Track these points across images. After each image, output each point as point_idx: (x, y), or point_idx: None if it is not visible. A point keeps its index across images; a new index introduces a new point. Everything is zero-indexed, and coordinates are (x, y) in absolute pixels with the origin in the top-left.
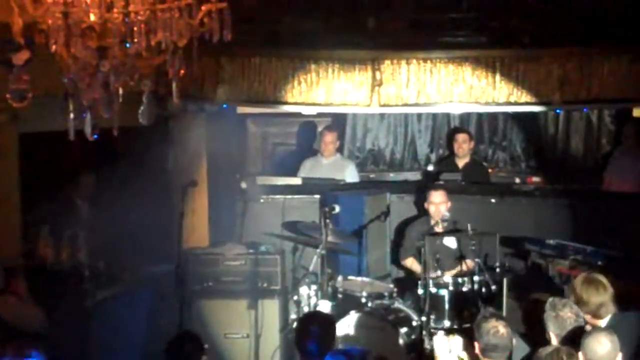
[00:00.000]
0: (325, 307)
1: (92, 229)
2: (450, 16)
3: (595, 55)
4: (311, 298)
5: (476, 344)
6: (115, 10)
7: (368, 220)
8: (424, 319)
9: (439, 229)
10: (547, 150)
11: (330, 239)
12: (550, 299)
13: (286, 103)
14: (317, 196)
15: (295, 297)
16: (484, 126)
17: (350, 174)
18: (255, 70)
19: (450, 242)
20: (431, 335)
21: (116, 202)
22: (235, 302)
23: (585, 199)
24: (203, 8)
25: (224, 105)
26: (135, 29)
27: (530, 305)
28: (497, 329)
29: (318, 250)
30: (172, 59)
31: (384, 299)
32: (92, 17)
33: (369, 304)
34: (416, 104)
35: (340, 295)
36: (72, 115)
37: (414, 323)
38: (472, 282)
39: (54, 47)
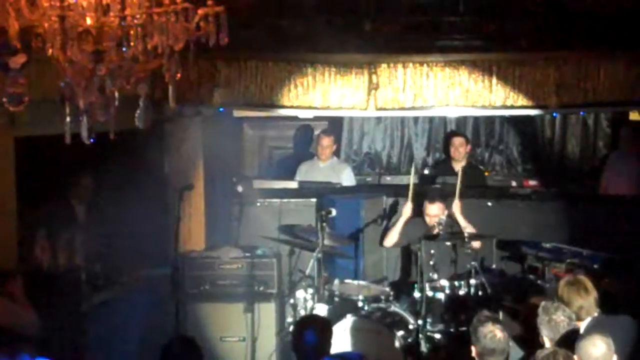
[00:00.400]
0: (321, 310)
1: (89, 232)
2: (446, 20)
3: (591, 59)
4: (307, 301)
5: (473, 348)
6: (111, 14)
7: (364, 224)
8: (420, 322)
9: (435, 230)
10: (543, 153)
11: (326, 242)
12: (543, 303)
13: (282, 106)
14: (314, 200)
15: (292, 301)
16: (481, 130)
17: (347, 178)
18: (251, 74)
19: (447, 245)
20: (427, 338)
21: (113, 205)
22: (231, 305)
23: (582, 202)
24: (199, 12)
25: (221, 109)
26: (131, 32)
27: (528, 309)
28: (494, 333)
29: (314, 254)
30: (168, 63)
31: (380, 303)
32: (89, 21)
33: (366, 308)
34: (413, 108)
35: (336, 299)
36: (68, 119)
37: (411, 326)
38: (469, 286)
39: (50, 50)
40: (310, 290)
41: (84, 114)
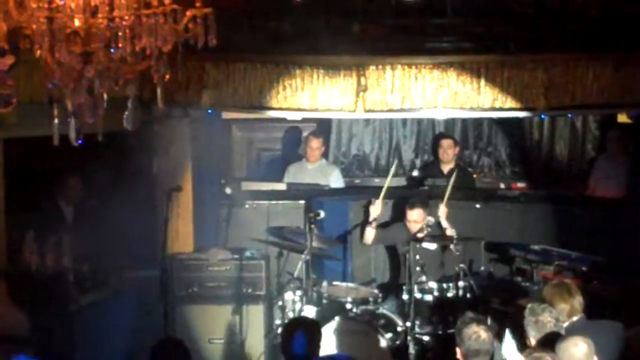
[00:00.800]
0: (310, 312)
1: (77, 233)
2: (434, 22)
3: (579, 61)
4: (296, 303)
5: (458, 349)
6: (99, 15)
7: (353, 226)
8: (408, 324)
9: (421, 234)
10: (531, 155)
11: (315, 244)
12: (530, 305)
13: (271, 108)
14: (302, 202)
15: (280, 303)
16: (469, 132)
17: (335, 180)
18: (240, 76)
19: (435, 247)
20: (416, 340)
21: (101, 207)
22: (219, 307)
23: (570, 204)
24: (188, 13)
25: (209, 111)
26: (119, 34)
27: (515, 311)
28: (478, 334)
29: (303, 256)
30: (156, 64)
31: (368, 305)
32: (77, 23)
33: (354, 310)
34: (401, 110)
35: (325, 301)
36: (56, 121)
37: (399, 328)
38: (457, 288)
39: (38, 52)
40: (299, 292)
41: (72, 115)
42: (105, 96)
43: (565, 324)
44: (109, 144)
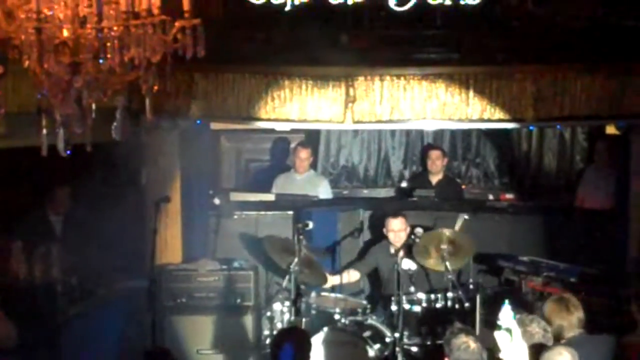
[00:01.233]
0: (298, 323)
1: (65, 244)
2: (423, 33)
3: (568, 73)
4: (284, 314)
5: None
6: (88, 26)
7: (341, 237)
8: (397, 335)
9: (400, 254)
10: (520, 167)
11: (304, 254)
12: (518, 316)
13: (260, 119)
14: (291, 212)
15: (269, 313)
16: (458, 143)
17: (324, 190)
18: (228, 86)
19: (409, 265)
20: (404, 351)
21: (89, 217)
22: (208, 318)
23: (559, 215)
24: (176, 24)
25: (198, 121)
26: (108, 44)
27: None
28: (467, 344)
29: (291, 267)
30: (145, 75)
31: (357, 315)
32: (65, 33)
33: (342, 320)
34: (390, 121)
35: (313, 312)
36: (45, 131)
37: (387, 339)
38: (446, 299)
39: (27, 62)
40: (287, 303)
41: (60, 125)
42: (93, 107)
43: (563, 341)
44: (98, 155)
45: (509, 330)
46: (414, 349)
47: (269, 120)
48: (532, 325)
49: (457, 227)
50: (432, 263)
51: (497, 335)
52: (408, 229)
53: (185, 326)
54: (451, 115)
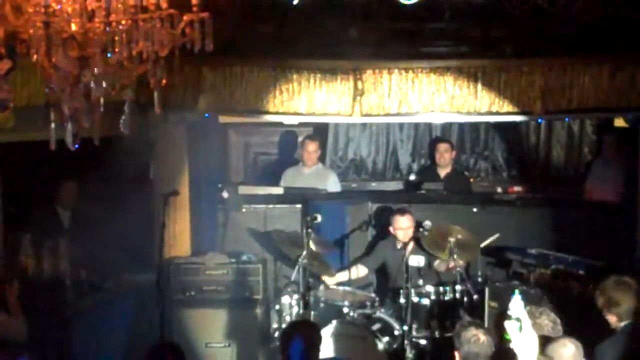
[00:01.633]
0: (307, 316)
1: (74, 238)
2: (432, 26)
3: (576, 65)
4: (293, 307)
5: (456, 354)
6: (96, 20)
7: (350, 230)
8: (405, 328)
9: (407, 249)
10: (528, 159)
11: (312, 248)
12: (528, 308)
13: (268, 112)
14: (299, 205)
15: (277, 307)
16: (466, 136)
17: (332, 184)
18: (236, 80)
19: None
20: (413, 344)
21: (98, 211)
22: (216, 311)
23: (567, 208)
24: (184, 18)
25: (206, 115)
26: (116, 38)
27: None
28: (477, 337)
29: (300, 260)
30: (153, 69)
31: (365, 309)
32: (74, 27)
33: (351, 314)
34: (398, 114)
35: (322, 305)
36: (53, 125)
37: (396, 332)
38: (454, 292)
39: (35, 56)
40: (296, 296)
41: (68, 119)
42: (102, 100)
43: (623, 324)
44: (106, 149)
45: (518, 320)
46: (423, 341)
47: (277, 113)
48: (542, 317)
49: (487, 242)
50: (440, 255)
51: (507, 325)
52: (425, 223)
53: (194, 319)
54: (459, 108)
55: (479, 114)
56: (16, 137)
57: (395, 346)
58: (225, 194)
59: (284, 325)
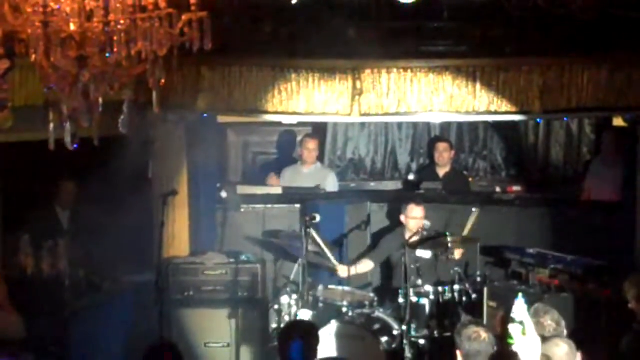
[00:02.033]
0: (306, 316)
1: (73, 238)
2: (430, 25)
3: (575, 65)
4: (292, 307)
5: (458, 353)
6: (95, 19)
7: (349, 230)
8: (404, 328)
9: (414, 239)
10: (527, 159)
11: (310, 248)
12: (535, 305)
13: (266, 112)
14: (298, 205)
15: (276, 307)
16: (465, 135)
17: (331, 183)
18: (235, 80)
19: (425, 255)
20: (412, 344)
21: (97, 211)
22: (215, 311)
23: (566, 207)
24: (183, 17)
25: (205, 115)
26: (115, 38)
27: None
28: (478, 334)
29: (299, 260)
30: (152, 68)
31: (364, 308)
32: (72, 27)
33: (350, 313)
34: (397, 113)
35: (321, 305)
36: (52, 125)
37: (395, 332)
38: (453, 291)
39: (33, 56)
40: (295, 296)
41: (67, 119)
42: (100, 100)
43: None
44: (105, 148)
45: (522, 324)
46: (422, 341)
47: (276, 113)
48: (546, 317)
49: (468, 226)
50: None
51: (511, 328)
52: (424, 222)
53: (193, 319)
54: (458, 108)
55: (478, 113)
56: (15, 137)
57: (394, 346)
58: (224, 194)
59: (282, 325)
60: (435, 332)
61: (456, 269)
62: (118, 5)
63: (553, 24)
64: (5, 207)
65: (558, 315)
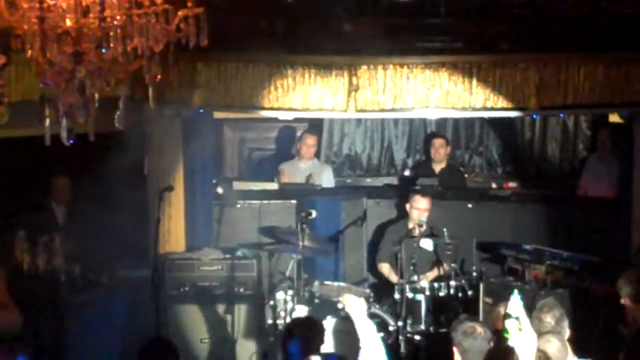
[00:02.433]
0: (301, 312)
1: (69, 233)
2: (427, 22)
3: (571, 61)
4: (287, 303)
5: (455, 349)
6: (91, 15)
7: (345, 226)
8: (400, 324)
9: (416, 232)
10: (523, 155)
11: (306, 244)
12: (543, 301)
13: (263, 108)
14: (294, 201)
15: (272, 302)
16: (461, 131)
17: (327, 179)
18: (231, 75)
19: (427, 246)
20: (407, 340)
21: (93, 207)
22: (211, 307)
23: (562, 204)
24: (179, 13)
25: (201, 110)
26: (111, 34)
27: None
28: (473, 328)
29: (294, 255)
30: (148, 64)
31: None
32: (68, 22)
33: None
34: (393, 110)
35: (316, 300)
36: (48, 121)
37: (391, 328)
38: (449, 287)
39: (29, 52)
40: (290, 292)
41: (63, 115)
42: (96, 96)
43: None
44: (101, 144)
45: (517, 319)
46: (417, 337)
47: (272, 109)
48: (548, 314)
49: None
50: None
51: (507, 323)
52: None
53: (189, 315)
54: (454, 104)
55: (474, 109)
56: (11, 132)
57: (389, 342)
58: (220, 190)
59: (278, 321)
60: (431, 328)
61: (452, 265)
62: (114, 1)
63: (549, 20)
64: (1, 203)
65: (561, 313)
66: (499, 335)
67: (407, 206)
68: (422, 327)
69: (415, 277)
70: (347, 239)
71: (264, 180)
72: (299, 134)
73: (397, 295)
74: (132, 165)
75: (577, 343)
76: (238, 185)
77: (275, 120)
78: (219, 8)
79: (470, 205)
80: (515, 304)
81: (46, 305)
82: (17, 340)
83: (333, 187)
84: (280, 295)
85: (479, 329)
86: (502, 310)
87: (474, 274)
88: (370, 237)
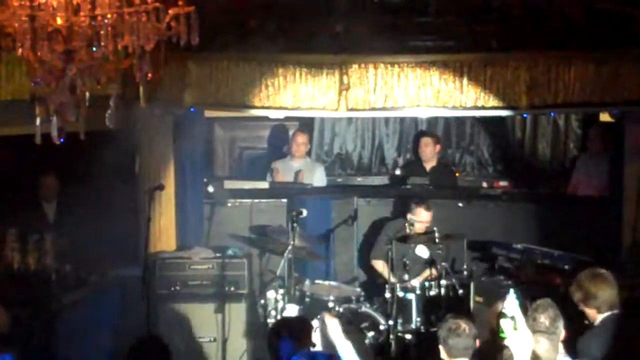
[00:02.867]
0: (292, 311)
1: (59, 232)
2: (417, 20)
3: (562, 60)
4: (278, 302)
5: (441, 348)
6: (82, 13)
7: (335, 225)
8: (391, 323)
9: (413, 231)
10: (514, 154)
11: (297, 243)
12: (540, 301)
13: (253, 107)
14: (285, 200)
15: (263, 301)
16: (452, 130)
17: (319, 178)
18: (222, 74)
19: (423, 253)
20: (398, 339)
21: (83, 205)
22: (202, 306)
23: (552, 203)
24: (170, 12)
25: (192, 109)
26: (102, 32)
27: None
28: (457, 324)
29: (285, 254)
30: (139, 63)
31: (351, 303)
32: (59, 21)
33: (337, 308)
34: (384, 108)
35: (307, 299)
36: (38, 119)
37: (381, 327)
38: (440, 287)
39: (20, 50)
40: (281, 291)
41: (54, 113)
42: (87, 94)
43: (604, 315)
44: (92, 143)
45: (513, 318)
46: (408, 336)
47: (262, 108)
48: (542, 314)
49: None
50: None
51: (503, 323)
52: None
53: (179, 314)
54: (445, 103)
55: (465, 108)
56: (1, 131)
57: (380, 341)
58: (210, 189)
59: (269, 320)
60: (422, 327)
61: (443, 264)
62: None
63: (540, 19)
64: None
65: (555, 313)
66: (494, 334)
67: (409, 216)
68: (413, 326)
69: (406, 276)
70: (337, 238)
71: (255, 179)
72: (290, 133)
73: (387, 294)
74: (122, 164)
75: (567, 341)
76: (229, 184)
77: (266, 119)
78: (210, 7)
79: (460, 205)
80: (511, 303)
81: (37, 303)
82: (3, 339)
83: (324, 186)
84: (271, 294)
85: (463, 325)
86: (498, 309)
87: (465, 273)
88: (363, 235)
